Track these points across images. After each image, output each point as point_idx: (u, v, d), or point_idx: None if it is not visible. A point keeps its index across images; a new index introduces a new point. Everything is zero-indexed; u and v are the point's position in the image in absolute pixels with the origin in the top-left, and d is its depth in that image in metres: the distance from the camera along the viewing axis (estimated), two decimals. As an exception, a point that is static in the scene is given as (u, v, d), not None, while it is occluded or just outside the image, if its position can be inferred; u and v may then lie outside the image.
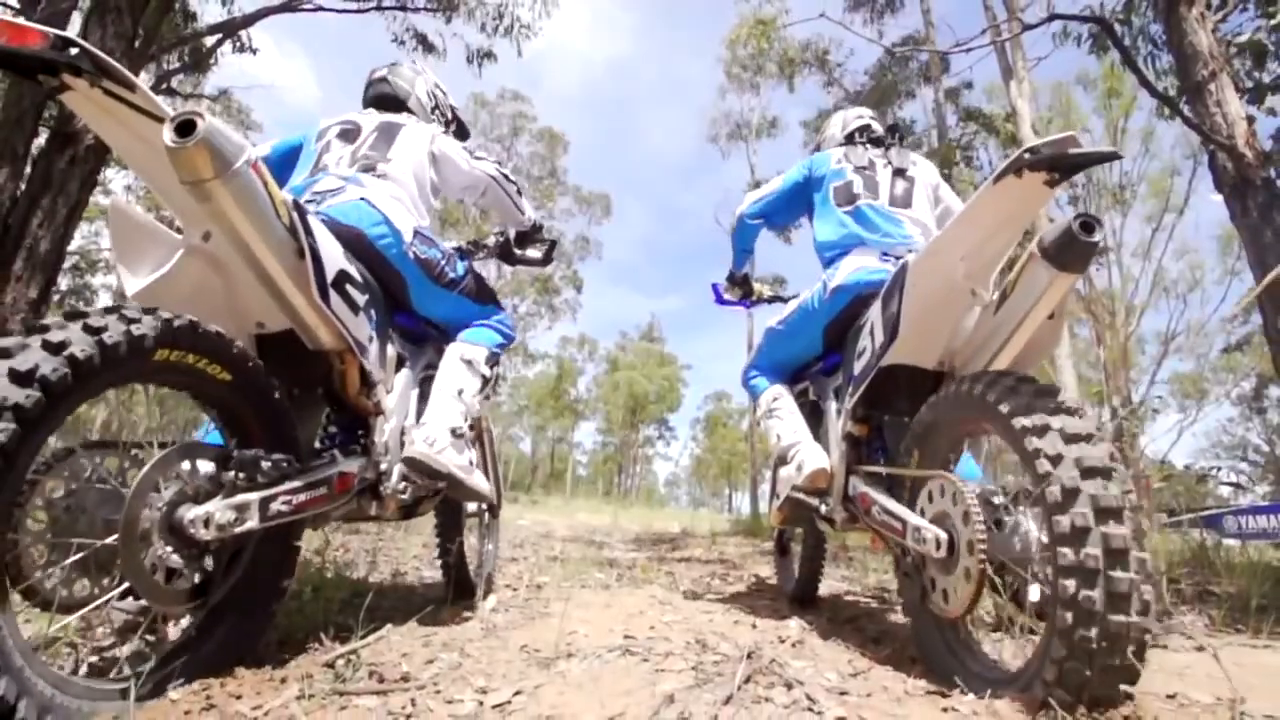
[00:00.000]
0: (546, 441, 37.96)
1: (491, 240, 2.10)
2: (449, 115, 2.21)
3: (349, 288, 1.43)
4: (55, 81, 1.02)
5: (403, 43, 9.77)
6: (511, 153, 23.38)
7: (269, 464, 1.23)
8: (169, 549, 1.07)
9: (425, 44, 9.84)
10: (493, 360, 1.81)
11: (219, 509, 1.11)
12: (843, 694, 1.24)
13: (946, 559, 1.32)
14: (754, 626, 1.84)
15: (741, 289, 2.41)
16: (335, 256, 1.41)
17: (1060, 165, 1.22)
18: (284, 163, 1.89)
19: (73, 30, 4.20)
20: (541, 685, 1.21)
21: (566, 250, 24.14)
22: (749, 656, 1.35)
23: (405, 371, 1.76)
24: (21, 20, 1.00)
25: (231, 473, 1.18)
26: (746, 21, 13.72)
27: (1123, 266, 17.97)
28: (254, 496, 1.18)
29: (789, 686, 1.23)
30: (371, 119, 1.88)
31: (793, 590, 2.50)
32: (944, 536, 1.32)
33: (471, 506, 2.21)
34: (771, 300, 2.49)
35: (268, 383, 1.26)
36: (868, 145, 2.07)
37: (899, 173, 1.98)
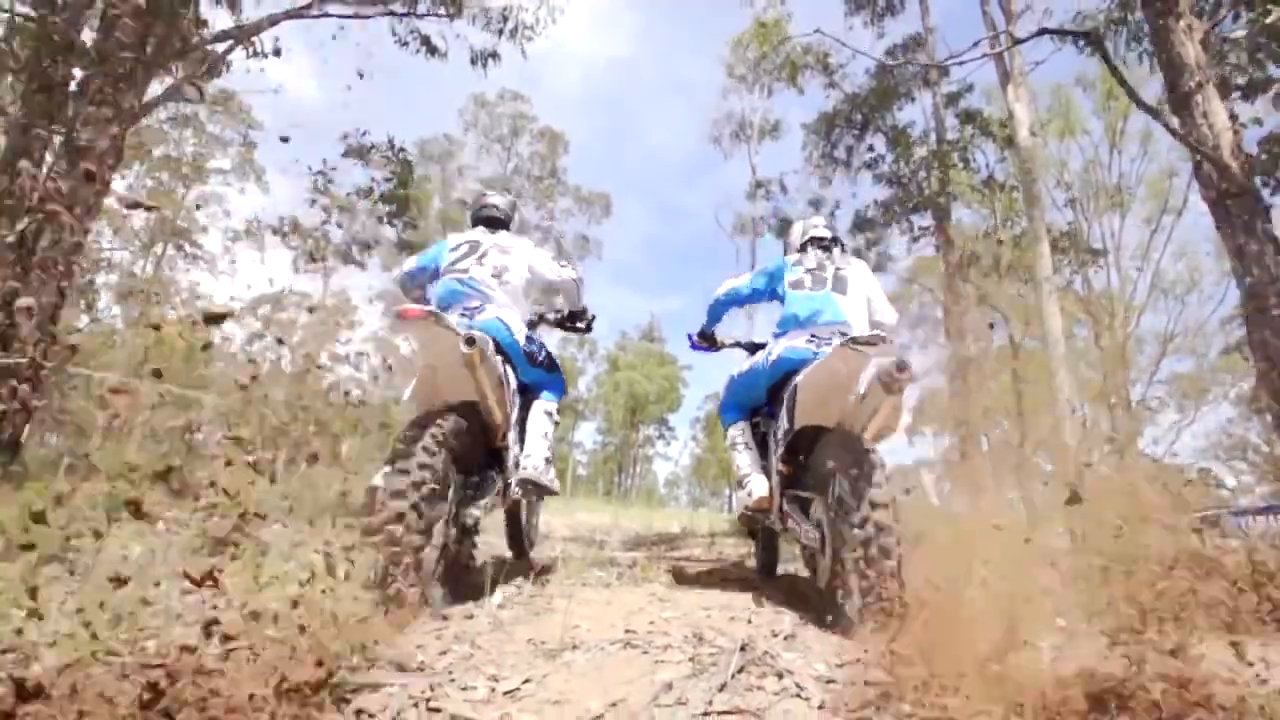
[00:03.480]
0: (547, 441, 37.93)
1: (552, 315, 2.97)
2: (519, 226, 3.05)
3: (517, 395, 2.48)
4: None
5: (406, 44, 9.83)
6: (512, 153, 23.42)
7: (484, 487, 2.30)
8: (455, 530, 2.09)
9: (429, 46, 9.89)
10: (558, 409, 2.75)
11: (474, 511, 2.17)
12: (830, 682, 1.32)
13: (819, 549, 2.14)
14: (749, 621, 1.93)
15: (709, 341, 3.12)
16: (512, 379, 2.44)
17: (868, 350, 2.11)
18: (425, 269, 2.71)
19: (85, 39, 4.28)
20: (549, 674, 1.29)
21: (567, 250, 24.18)
22: (743, 648, 1.44)
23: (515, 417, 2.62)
24: (411, 306, 2.03)
25: (469, 492, 2.23)
26: (749, 30, 13.83)
27: (1121, 268, 18.06)
28: (484, 503, 2.24)
29: (780, 676, 1.31)
30: (488, 238, 2.67)
31: (757, 565, 3.27)
32: (817, 535, 2.16)
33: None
34: (733, 346, 3.16)
35: (474, 445, 2.22)
36: (818, 250, 2.74)
37: (839, 270, 2.63)
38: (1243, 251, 3.08)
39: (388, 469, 1.81)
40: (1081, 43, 4.74)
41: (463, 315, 2.42)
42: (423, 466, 1.83)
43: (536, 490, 2.55)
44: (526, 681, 1.24)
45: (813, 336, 2.45)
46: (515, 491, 2.49)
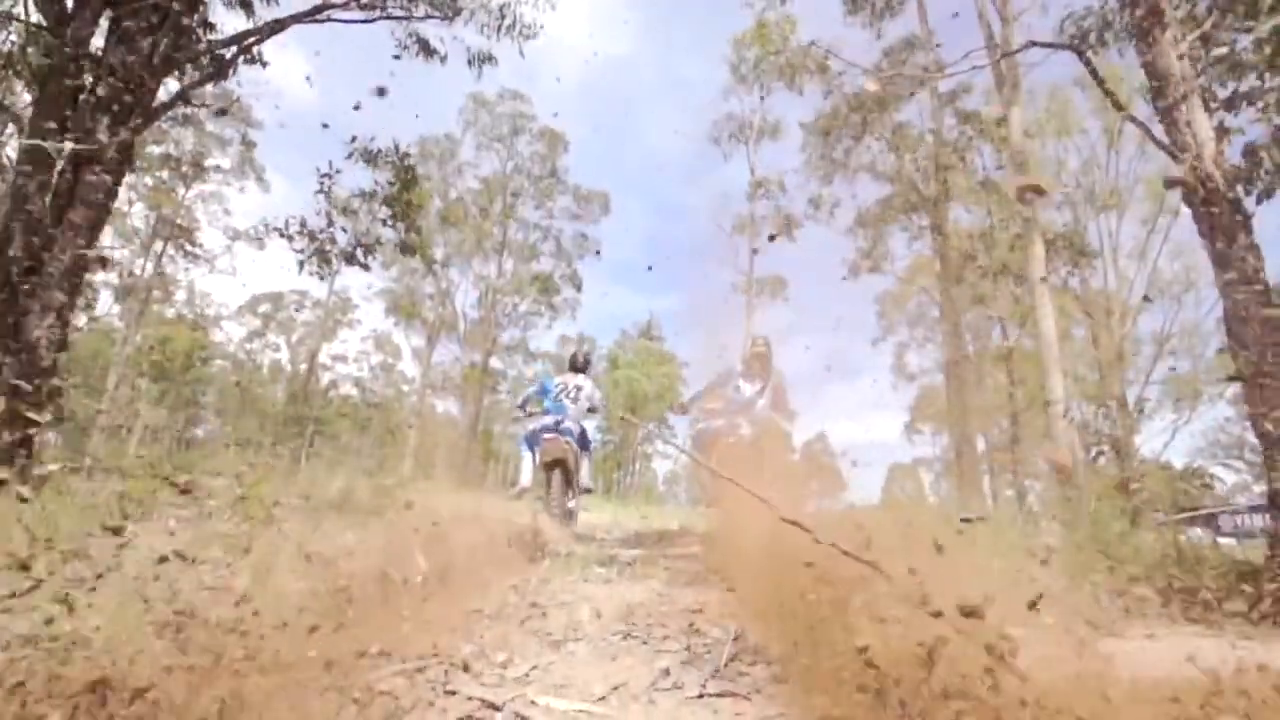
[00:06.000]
0: (546, 439, 37.93)
1: (588, 408, 5.12)
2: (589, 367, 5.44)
3: (578, 453, 4.88)
4: None
5: (406, 47, 9.92)
6: (512, 152, 23.47)
7: (570, 489, 4.86)
8: (563, 504, 4.77)
9: (426, 49, 9.98)
10: (592, 454, 5.10)
11: (569, 500, 4.85)
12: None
13: None
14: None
15: (682, 409, 5.27)
16: (575, 447, 4.80)
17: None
18: (544, 391, 4.99)
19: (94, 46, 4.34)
20: (554, 662, 1.39)
21: (566, 249, 24.24)
22: (735, 639, 1.53)
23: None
24: (545, 432, 4.79)
25: (564, 490, 4.79)
26: (750, 30, 13.97)
27: (1119, 267, 18.13)
28: (571, 496, 4.87)
29: (769, 664, 1.41)
30: (573, 379, 5.00)
31: None
32: None
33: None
34: (695, 409, 5.03)
35: (564, 473, 4.74)
36: (755, 360, 4.71)
37: (763, 379, 4.62)
38: (1224, 259, 3.17)
39: (529, 481, 4.79)
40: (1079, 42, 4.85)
41: (558, 422, 4.77)
42: (553, 479, 4.57)
43: (587, 492, 5.16)
44: (534, 668, 1.34)
45: (736, 415, 4.56)
46: (578, 490, 4.97)
